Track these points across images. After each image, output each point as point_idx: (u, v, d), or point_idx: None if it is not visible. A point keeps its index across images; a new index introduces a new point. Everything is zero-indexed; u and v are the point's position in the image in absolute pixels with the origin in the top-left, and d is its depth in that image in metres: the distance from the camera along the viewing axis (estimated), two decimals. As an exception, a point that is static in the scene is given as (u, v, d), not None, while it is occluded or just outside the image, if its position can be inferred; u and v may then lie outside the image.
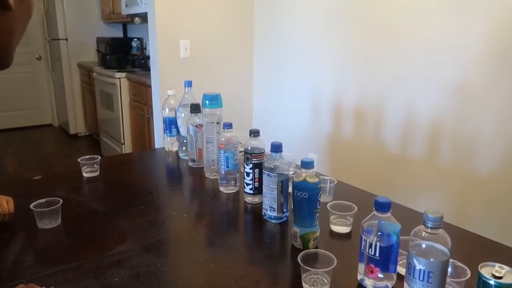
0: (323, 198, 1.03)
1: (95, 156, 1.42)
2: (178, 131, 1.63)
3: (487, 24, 1.69)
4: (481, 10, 1.70)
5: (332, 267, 0.78)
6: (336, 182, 1.23)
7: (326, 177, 1.23)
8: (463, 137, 1.83)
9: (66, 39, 4.90)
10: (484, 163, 1.78)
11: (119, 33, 5.13)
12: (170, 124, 1.67)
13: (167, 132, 1.69)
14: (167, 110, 1.66)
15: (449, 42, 1.83)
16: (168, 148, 1.71)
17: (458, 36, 1.80)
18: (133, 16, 4.03)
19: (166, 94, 1.69)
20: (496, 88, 1.70)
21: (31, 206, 1.03)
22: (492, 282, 0.68)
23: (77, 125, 5.23)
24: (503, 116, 1.69)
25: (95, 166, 1.41)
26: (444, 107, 1.89)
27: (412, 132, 2.05)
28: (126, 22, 4.62)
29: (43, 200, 1.06)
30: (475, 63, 1.75)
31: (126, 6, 3.86)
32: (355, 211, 1.03)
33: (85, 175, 1.39)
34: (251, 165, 1.15)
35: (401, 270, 0.81)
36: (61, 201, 1.06)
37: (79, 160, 1.39)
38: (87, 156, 1.40)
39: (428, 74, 1.94)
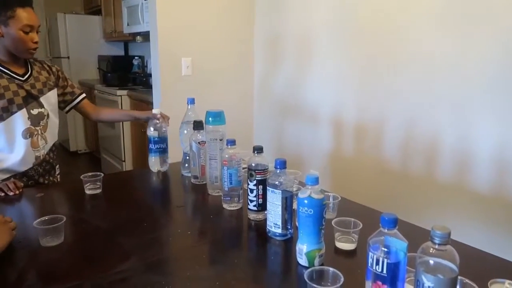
0: (326, 214, 1.02)
1: (98, 173, 1.41)
2: (163, 150, 1.63)
3: (487, 41, 1.71)
4: (481, 27, 1.73)
5: (340, 284, 0.77)
6: (340, 198, 1.22)
7: (329, 194, 1.22)
8: (465, 152, 1.83)
9: (68, 57, 4.94)
10: (488, 179, 1.77)
11: (120, 51, 5.18)
12: (155, 143, 1.62)
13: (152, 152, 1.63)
14: (151, 129, 1.63)
15: (449, 59, 1.85)
16: (157, 169, 1.65)
17: (458, 53, 1.82)
18: (134, 34, 4.08)
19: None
20: (495, 104, 1.71)
21: (34, 223, 1.02)
22: (502, 299, 0.67)
23: (78, 142, 5.23)
24: (502, 131, 1.70)
25: (98, 183, 1.40)
26: (445, 122, 1.89)
27: (414, 147, 2.05)
28: (128, 40, 4.67)
29: (46, 218, 1.05)
30: (475, 79, 1.77)
31: (128, 25, 3.91)
32: (360, 227, 1.02)
33: (87, 192, 1.39)
34: (254, 182, 1.15)
35: (409, 287, 0.80)
36: (64, 218, 1.05)
37: (81, 177, 1.38)
38: (90, 173, 1.40)
39: (428, 90, 1.95)
